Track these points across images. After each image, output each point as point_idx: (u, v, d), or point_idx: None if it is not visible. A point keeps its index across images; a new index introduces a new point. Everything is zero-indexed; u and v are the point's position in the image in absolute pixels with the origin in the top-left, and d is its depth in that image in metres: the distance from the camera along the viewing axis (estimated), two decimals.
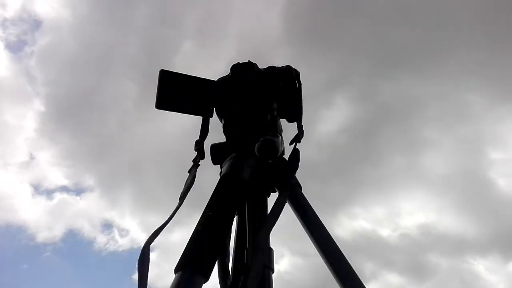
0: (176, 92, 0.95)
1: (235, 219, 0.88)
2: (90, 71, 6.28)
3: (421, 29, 5.55)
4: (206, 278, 0.66)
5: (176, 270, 0.64)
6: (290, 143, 0.93)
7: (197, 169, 0.91)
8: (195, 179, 0.89)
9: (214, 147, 0.94)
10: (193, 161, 0.92)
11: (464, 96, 5.68)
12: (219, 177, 0.87)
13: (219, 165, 0.92)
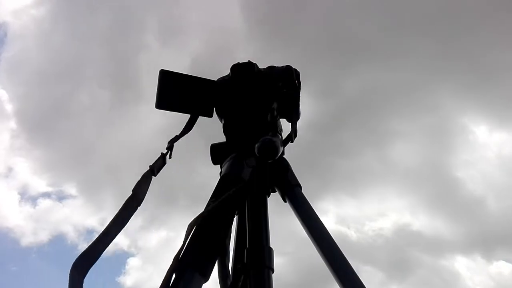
0: (176, 92, 0.95)
1: (235, 219, 0.88)
2: (59, 82, 6.25)
3: (383, 20, 5.48)
4: (206, 278, 0.66)
5: (176, 270, 0.64)
6: (281, 145, 0.92)
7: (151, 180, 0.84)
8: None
9: (214, 147, 0.94)
10: (150, 166, 0.84)
11: (430, 87, 5.64)
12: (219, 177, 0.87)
13: (219, 165, 0.92)
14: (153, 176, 0.84)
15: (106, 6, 6.03)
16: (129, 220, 0.76)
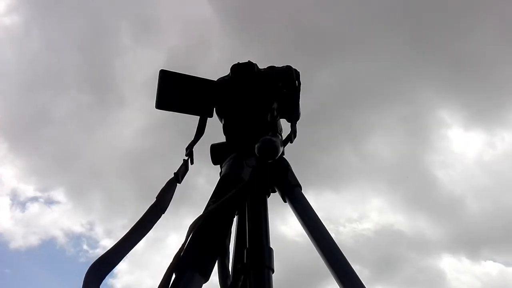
0: (176, 92, 0.95)
1: (235, 219, 0.88)
2: (38, 90, 6.18)
3: (359, 11, 5.30)
4: (206, 278, 0.67)
5: (176, 270, 0.64)
6: (281, 145, 0.91)
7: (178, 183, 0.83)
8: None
9: (214, 147, 0.94)
10: (175, 173, 0.83)
11: (408, 80, 5.55)
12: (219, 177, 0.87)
13: (219, 165, 0.92)
14: (177, 183, 0.83)
15: (78, 12, 5.98)
16: (152, 228, 0.74)
